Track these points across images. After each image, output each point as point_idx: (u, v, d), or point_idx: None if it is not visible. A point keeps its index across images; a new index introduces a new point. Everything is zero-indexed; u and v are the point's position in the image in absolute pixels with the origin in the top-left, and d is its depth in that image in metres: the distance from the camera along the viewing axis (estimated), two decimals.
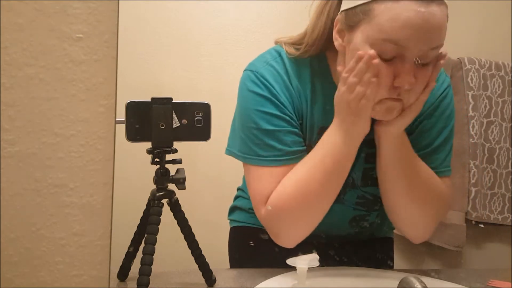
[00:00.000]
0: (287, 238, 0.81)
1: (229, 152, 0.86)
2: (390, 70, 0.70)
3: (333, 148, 0.76)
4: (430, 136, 0.83)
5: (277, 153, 0.79)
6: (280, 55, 0.83)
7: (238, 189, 1.05)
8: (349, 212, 0.89)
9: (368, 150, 0.83)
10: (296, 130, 0.81)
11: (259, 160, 0.80)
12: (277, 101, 0.80)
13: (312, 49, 0.81)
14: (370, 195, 0.88)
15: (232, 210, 1.05)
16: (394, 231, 1.04)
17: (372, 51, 0.69)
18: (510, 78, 1.60)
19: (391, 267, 1.00)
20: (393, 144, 0.77)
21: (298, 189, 0.77)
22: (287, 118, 0.80)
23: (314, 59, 0.83)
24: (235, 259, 1.02)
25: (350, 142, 0.76)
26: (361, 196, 0.88)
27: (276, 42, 0.87)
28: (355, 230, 0.92)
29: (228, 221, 1.05)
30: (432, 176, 0.81)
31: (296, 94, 0.81)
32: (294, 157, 0.80)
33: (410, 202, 0.80)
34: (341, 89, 0.74)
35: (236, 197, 1.05)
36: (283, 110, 0.80)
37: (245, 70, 0.84)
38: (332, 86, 0.81)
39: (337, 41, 0.77)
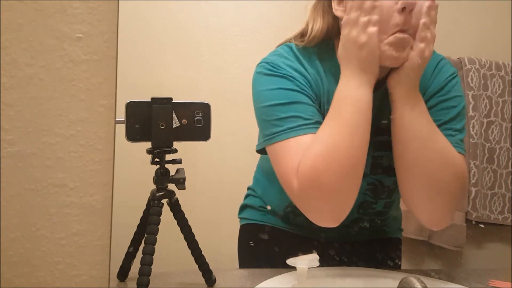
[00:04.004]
0: (324, 212, 0.76)
1: (258, 146, 0.85)
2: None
3: (348, 96, 0.75)
4: (436, 113, 0.82)
5: (305, 122, 0.78)
6: (291, 49, 0.86)
7: (249, 188, 1.06)
8: (359, 198, 0.88)
9: (377, 137, 0.83)
10: (318, 107, 0.81)
11: (287, 132, 0.78)
12: (295, 80, 0.81)
13: (316, 36, 0.84)
14: (380, 183, 0.88)
15: (243, 208, 1.06)
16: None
17: None
18: (510, 78, 1.60)
19: (391, 267, 1.01)
20: (406, 98, 0.76)
21: (323, 148, 0.74)
22: (308, 94, 0.81)
23: (322, 47, 0.85)
24: (245, 256, 1.03)
25: (365, 84, 0.75)
26: (371, 183, 0.88)
27: (283, 42, 0.89)
28: (362, 217, 0.91)
29: (237, 219, 1.06)
30: (449, 146, 0.78)
31: (313, 79, 0.83)
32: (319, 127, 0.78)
33: (426, 171, 0.77)
34: (342, 35, 0.76)
35: (247, 196, 1.06)
36: (303, 87, 0.81)
37: (258, 64, 0.85)
38: (339, 71, 0.83)
39: (338, 11, 0.81)
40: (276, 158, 0.80)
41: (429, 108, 0.81)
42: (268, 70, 0.82)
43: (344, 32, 0.76)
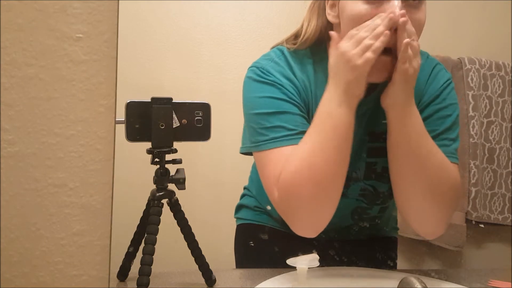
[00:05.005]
0: (303, 222, 0.78)
1: (243, 149, 0.86)
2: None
3: (328, 114, 0.75)
4: (432, 123, 0.82)
5: (288, 132, 0.78)
6: (283, 53, 0.85)
7: (245, 188, 1.06)
8: (352, 203, 0.89)
9: (370, 144, 0.84)
10: (305, 115, 0.81)
11: (271, 142, 0.78)
12: (284, 88, 0.81)
13: (309, 38, 0.84)
14: (373, 189, 0.88)
15: (239, 208, 1.06)
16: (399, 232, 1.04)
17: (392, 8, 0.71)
18: (510, 78, 1.60)
19: (391, 267, 1.01)
20: (401, 115, 0.75)
21: (302, 163, 0.74)
22: (295, 103, 0.81)
23: (315, 50, 0.85)
24: (241, 255, 1.03)
25: (346, 104, 0.74)
26: (364, 188, 0.88)
27: (276, 45, 0.89)
28: (357, 224, 0.92)
29: (234, 219, 1.06)
30: (445, 160, 0.78)
31: (302, 86, 0.83)
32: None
33: (423, 186, 0.77)
34: (342, 46, 0.73)
35: (242, 196, 1.06)
36: (291, 96, 0.81)
37: (249, 67, 0.85)
38: None
39: (330, 15, 0.81)
40: (260, 166, 0.82)
41: (426, 118, 0.81)
42: (257, 76, 0.82)
43: (343, 46, 0.73)
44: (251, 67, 0.85)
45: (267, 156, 0.79)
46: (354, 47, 0.72)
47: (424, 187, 0.77)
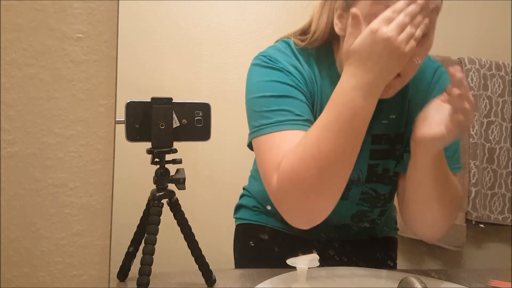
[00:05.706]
0: (299, 213, 0.74)
1: (248, 141, 0.83)
2: None
3: (350, 104, 0.68)
4: None
5: (295, 117, 0.75)
6: (289, 45, 0.85)
7: (244, 188, 1.06)
8: (353, 207, 0.89)
9: (373, 146, 0.83)
10: (310, 106, 0.80)
11: (275, 125, 0.75)
12: (291, 75, 0.80)
13: (318, 38, 0.83)
14: (374, 192, 0.88)
15: (238, 208, 1.06)
16: (398, 232, 1.04)
17: None
18: (510, 78, 1.60)
19: (391, 267, 1.01)
20: (435, 158, 0.74)
21: (309, 150, 0.70)
22: (303, 91, 0.79)
23: (321, 50, 0.84)
24: (240, 255, 1.03)
25: (372, 94, 0.68)
26: (365, 191, 0.88)
27: (283, 37, 0.88)
28: (357, 224, 0.92)
29: (234, 219, 1.07)
30: (455, 180, 0.80)
31: (309, 77, 0.82)
32: (309, 125, 0.75)
33: (436, 202, 0.78)
34: (383, 31, 0.66)
35: (242, 196, 1.06)
36: (298, 83, 0.79)
37: (255, 57, 0.84)
38: (336, 75, 0.81)
39: (337, 26, 0.79)
40: (260, 151, 0.77)
41: None
42: (264, 62, 0.81)
43: (385, 30, 0.66)
44: (257, 56, 0.84)
45: (269, 140, 0.75)
46: (399, 32, 0.66)
47: (437, 202, 0.78)
